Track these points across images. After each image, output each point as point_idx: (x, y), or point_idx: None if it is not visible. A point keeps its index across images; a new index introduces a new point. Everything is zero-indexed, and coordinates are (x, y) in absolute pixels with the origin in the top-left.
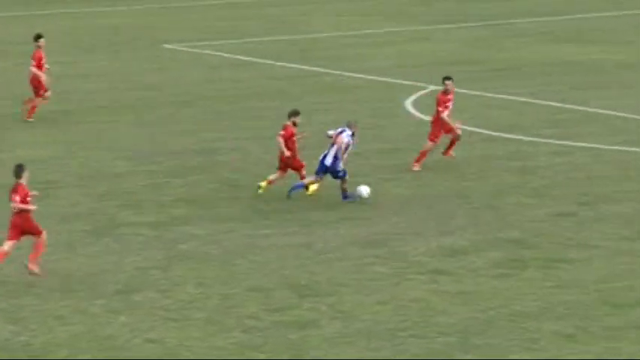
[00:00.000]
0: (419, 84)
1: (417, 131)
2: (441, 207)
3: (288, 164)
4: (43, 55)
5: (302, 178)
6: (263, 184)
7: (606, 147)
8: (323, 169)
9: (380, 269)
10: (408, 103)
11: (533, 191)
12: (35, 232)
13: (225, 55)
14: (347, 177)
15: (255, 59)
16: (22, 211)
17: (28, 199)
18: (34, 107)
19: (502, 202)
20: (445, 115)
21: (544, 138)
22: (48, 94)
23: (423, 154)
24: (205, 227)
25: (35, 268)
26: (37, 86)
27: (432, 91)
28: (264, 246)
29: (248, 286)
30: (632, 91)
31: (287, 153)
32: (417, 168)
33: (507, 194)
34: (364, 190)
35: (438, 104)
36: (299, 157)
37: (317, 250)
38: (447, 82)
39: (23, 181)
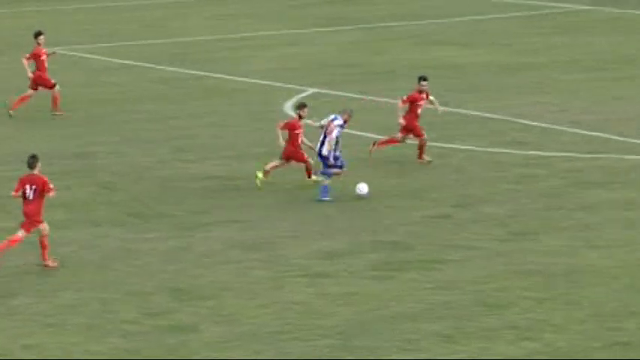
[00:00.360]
0: (298, 87)
1: None
2: (320, 210)
3: (291, 156)
4: (43, 52)
5: (308, 168)
6: (260, 174)
7: (482, 149)
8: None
9: (261, 273)
10: (288, 107)
11: (411, 193)
12: (38, 224)
13: (104, 58)
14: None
15: (134, 62)
16: (38, 201)
17: (52, 185)
18: (23, 99)
19: (380, 204)
20: (400, 106)
21: None
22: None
23: (421, 149)
24: (84, 231)
25: (51, 263)
26: (42, 83)
27: (312, 93)
28: (144, 250)
29: (127, 290)
30: (508, 93)
31: (281, 142)
32: (427, 158)
33: (385, 197)
34: (363, 188)
35: (410, 100)
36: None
37: (197, 254)
38: (422, 82)
39: (37, 172)
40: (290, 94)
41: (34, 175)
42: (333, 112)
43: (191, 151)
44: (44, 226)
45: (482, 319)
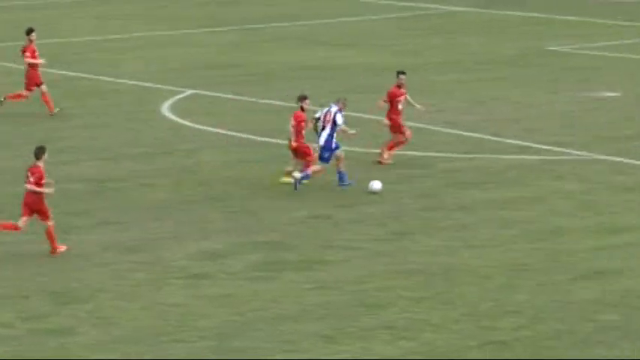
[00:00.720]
0: (176, 88)
1: (173, 135)
2: (199, 211)
3: (296, 151)
4: (35, 49)
5: (307, 165)
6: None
7: (361, 149)
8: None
9: (139, 275)
10: (165, 108)
11: (290, 194)
12: (43, 216)
13: None
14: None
15: (7, 64)
16: (34, 192)
17: (43, 181)
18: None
19: (260, 205)
20: (381, 106)
21: None
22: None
23: (396, 144)
24: None
25: (61, 247)
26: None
27: (190, 94)
28: (20, 253)
29: (3, 294)
30: (384, 94)
31: (294, 144)
32: (387, 157)
33: (265, 197)
34: (376, 185)
35: (390, 97)
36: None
37: (74, 257)
38: (401, 76)
39: (41, 163)
40: (167, 95)
41: (37, 165)
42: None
43: (65, 152)
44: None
45: (362, 319)
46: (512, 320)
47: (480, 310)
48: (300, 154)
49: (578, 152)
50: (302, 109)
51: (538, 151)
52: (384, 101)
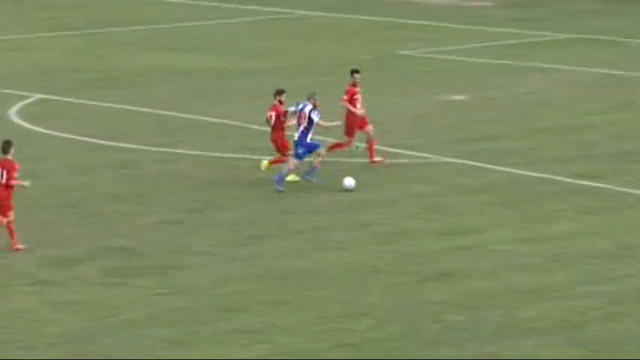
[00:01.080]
0: (23, 93)
1: (22, 141)
2: (51, 217)
3: (276, 144)
4: None
5: (280, 160)
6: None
7: (212, 154)
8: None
9: None
10: (12, 113)
11: (142, 199)
12: (7, 210)
13: None
14: (304, 158)
15: None
16: (8, 187)
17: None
18: None
19: (111, 210)
20: (345, 104)
21: (151, 146)
22: None
23: (338, 145)
24: None
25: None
26: None
27: (37, 99)
28: None
29: None
30: (237, 99)
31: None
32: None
33: (116, 202)
34: (348, 182)
35: (346, 94)
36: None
37: None
38: (355, 75)
39: (10, 157)
40: (14, 100)
41: (7, 159)
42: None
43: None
44: (10, 213)
45: (217, 324)
46: (363, 322)
47: (331, 312)
48: (279, 147)
49: (428, 155)
50: (280, 102)
51: (390, 154)
52: (345, 100)
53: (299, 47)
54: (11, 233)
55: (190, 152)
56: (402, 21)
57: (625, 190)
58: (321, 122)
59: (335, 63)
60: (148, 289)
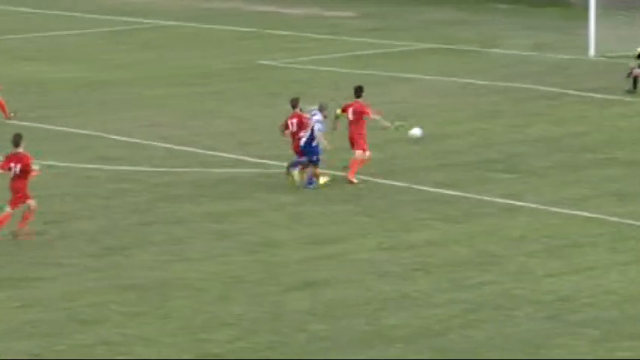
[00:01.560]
0: None
1: None
2: None
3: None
4: None
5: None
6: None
7: (70, 164)
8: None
9: None
10: None
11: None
12: (24, 199)
13: None
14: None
15: None
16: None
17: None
18: None
19: None
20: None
21: None
22: None
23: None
24: None
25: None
26: None
27: None
28: None
29: None
30: (96, 109)
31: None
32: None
33: None
34: (416, 131)
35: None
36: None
37: None
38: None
39: (21, 149)
40: None
41: (19, 152)
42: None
43: None
44: (31, 202)
45: (75, 336)
46: (228, 332)
47: (195, 323)
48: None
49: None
50: (301, 110)
51: (252, 165)
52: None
53: (157, 57)
54: (24, 218)
55: (49, 163)
56: (263, 31)
57: (484, 198)
58: (317, 132)
59: (192, 74)
60: (5, 301)
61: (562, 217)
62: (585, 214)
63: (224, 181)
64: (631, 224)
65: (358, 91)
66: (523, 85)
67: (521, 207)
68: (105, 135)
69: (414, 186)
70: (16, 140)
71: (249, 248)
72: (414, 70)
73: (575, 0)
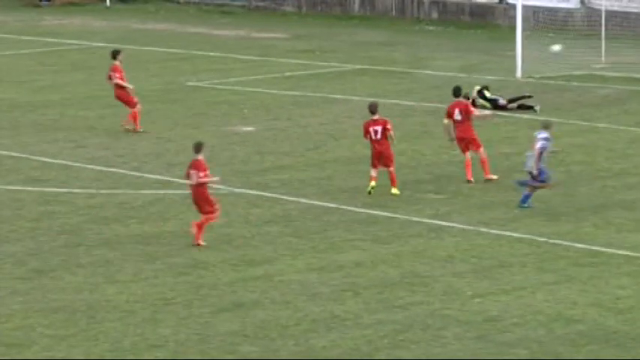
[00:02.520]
0: None
1: None
2: None
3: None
4: None
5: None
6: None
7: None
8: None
9: None
10: None
11: None
12: (211, 209)
13: None
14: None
15: None
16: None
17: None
18: None
19: None
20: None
21: None
22: None
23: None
24: None
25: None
26: None
27: None
28: None
29: None
30: (24, 130)
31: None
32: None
33: None
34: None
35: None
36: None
37: None
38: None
39: (201, 156)
40: None
41: (199, 160)
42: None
43: None
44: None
45: None
46: (156, 354)
47: (123, 345)
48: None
49: (218, 186)
50: (372, 112)
51: (179, 186)
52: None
53: (86, 79)
54: (199, 229)
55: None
56: (193, 52)
57: (413, 218)
58: (536, 151)
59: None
60: None
61: (490, 238)
62: (513, 234)
63: (152, 203)
64: (559, 244)
65: (457, 92)
66: None
67: (450, 227)
68: (32, 157)
69: (344, 207)
70: (197, 148)
71: (178, 270)
72: (343, 91)
73: (500, 21)
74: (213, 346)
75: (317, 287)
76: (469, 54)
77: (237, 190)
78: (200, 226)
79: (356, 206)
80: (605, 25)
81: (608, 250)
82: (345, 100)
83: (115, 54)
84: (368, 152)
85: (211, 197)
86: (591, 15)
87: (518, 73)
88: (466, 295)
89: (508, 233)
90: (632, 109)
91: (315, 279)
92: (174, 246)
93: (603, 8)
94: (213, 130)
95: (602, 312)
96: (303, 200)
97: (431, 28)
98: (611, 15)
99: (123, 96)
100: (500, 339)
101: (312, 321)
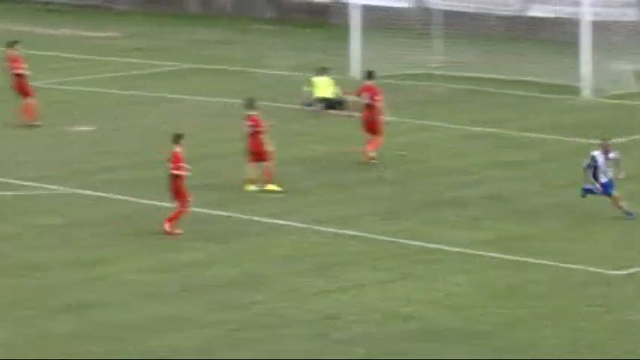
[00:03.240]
0: None
1: None
2: None
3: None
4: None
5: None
6: None
7: None
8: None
9: None
10: None
11: None
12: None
13: None
14: (613, 193)
15: None
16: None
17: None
18: None
19: None
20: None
21: None
22: None
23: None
24: None
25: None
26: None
27: None
28: None
29: None
30: None
31: None
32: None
33: None
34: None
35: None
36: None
37: None
38: None
39: (179, 148)
40: None
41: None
42: None
43: None
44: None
45: None
46: None
47: None
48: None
49: (55, 186)
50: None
51: (16, 187)
52: None
53: None
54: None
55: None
56: (26, 52)
57: (251, 217)
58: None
59: None
60: None
61: (328, 236)
62: (351, 232)
63: None
64: (394, 242)
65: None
66: (288, 105)
67: (288, 226)
68: None
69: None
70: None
71: (14, 272)
72: (178, 91)
73: (336, 20)
74: (51, 347)
75: (156, 287)
76: (304, 53)
77: (73, 190)
78: (170, 220)
79: (194, 206)
80: (441, 25)
81: (443, 247)
82: (179, 100)
83: (12, 43)
84: (205, 151)
85: (185, 191)
86: (427, 14)
87: (352, 72)
88: (304, 294)
89: (345, 232)
90: (464, 108)
91: (154, 279)
92: (11, 248)
93: (440, 7)
94: (51, 129)
95: (438, 309)
96: (141, 200)
97: (268, 27)
98: (448, 14)
99: (23, 86)
100: (339, 336)
101: (152, 321)
